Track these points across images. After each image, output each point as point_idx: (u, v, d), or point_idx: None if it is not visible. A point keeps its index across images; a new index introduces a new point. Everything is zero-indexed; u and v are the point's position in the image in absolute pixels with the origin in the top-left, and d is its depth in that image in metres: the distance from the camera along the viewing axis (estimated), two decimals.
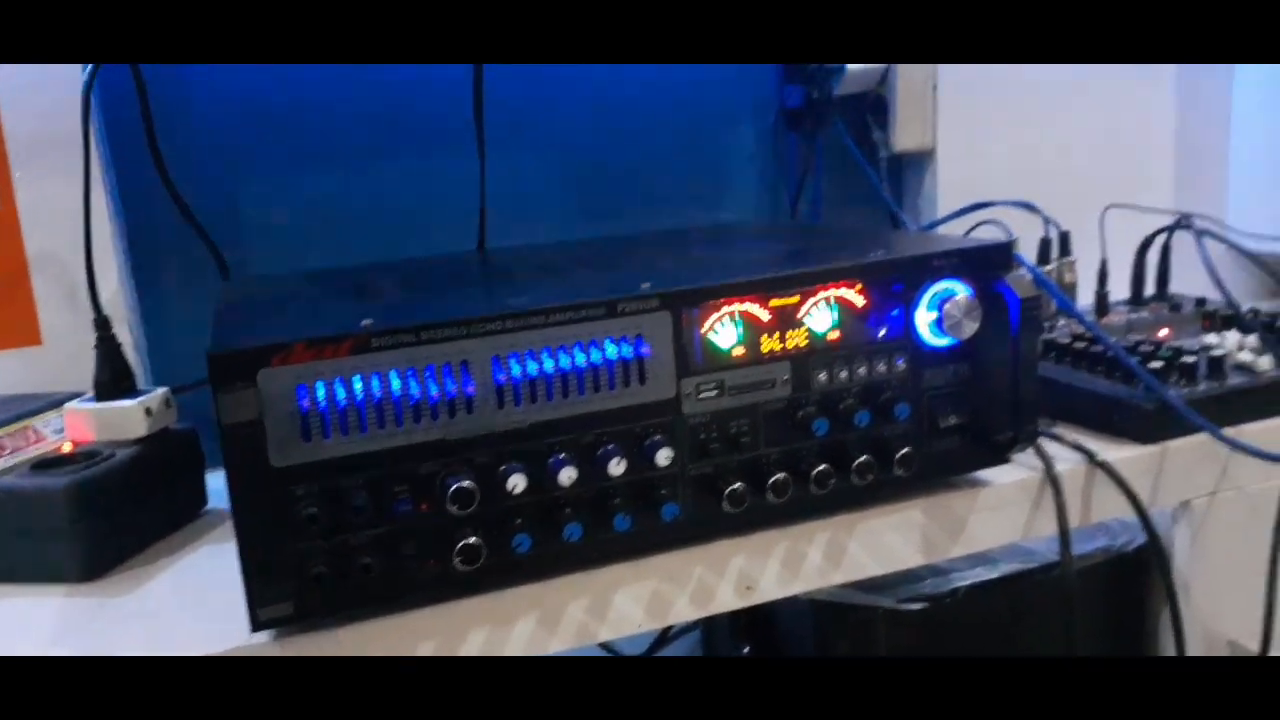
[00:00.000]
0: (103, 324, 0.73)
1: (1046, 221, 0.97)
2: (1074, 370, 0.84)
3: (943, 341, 0.67)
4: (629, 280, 0.62)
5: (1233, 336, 0.88)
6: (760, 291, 0.63)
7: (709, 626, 1.04)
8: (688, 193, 1.06)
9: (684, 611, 0.65)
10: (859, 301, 0.65)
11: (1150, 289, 1.04)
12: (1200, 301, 1.00)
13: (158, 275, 0.92)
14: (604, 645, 1.11)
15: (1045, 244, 0.98)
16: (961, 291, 0.66)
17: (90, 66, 0.74)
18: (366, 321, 0.55)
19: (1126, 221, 1.02)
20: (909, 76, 1.03)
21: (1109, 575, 0.81)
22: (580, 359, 0.58)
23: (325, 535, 0.54)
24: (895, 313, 0.66)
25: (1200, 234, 0.94)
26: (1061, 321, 0.96)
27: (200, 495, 0.76)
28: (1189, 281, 1.04)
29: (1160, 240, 1.02)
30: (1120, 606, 0.83)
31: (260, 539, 0.53)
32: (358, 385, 0.54)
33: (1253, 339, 0.87)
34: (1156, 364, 0.79)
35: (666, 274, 0.66)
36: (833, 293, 0.64)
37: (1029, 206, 0.96)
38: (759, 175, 1.08)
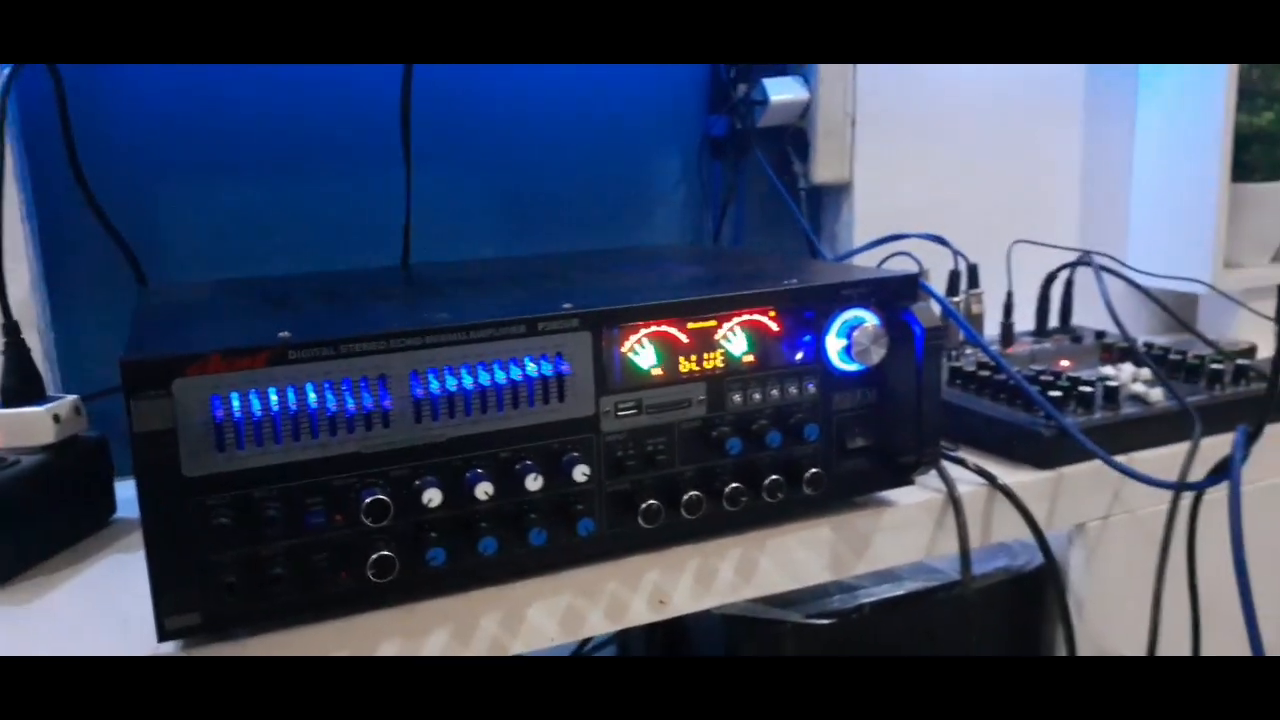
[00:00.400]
0: (11, 329, 0.71)
1: (956, 255, 1.01)
2: (978, 397, 0.87)
3: (851, 367, 0.69)
4: (551, 299, 0.64)
5: (1128, 369, 0.93)
6: (679, 315, 0.65)
7: (624, 646, 1.05)
8: (615, 216, 1.08)
9: (598, 625, 0.66)
10: (773, 327, 0.67)
11: (1054, 321, 1.10)
12: (1100, 334, 1.06)
13: (71, 281, 0.90)
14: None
15: (954, 276, 1.02)
16: (870, 320, 0.69)
17: (8, 68, 0.72)
18: (284, 334, 0.55)
19: (1032, 257, 1.07)
20: (828, 112, 1.07)
21: (1008, 594, 0.85)
22: (500, 376, 0.59)
23: (236, 545, 0.54)
24: (807, 339, 0.68)
25: (1100, 270, 0.99)
26: (968, 351, 1.00)
27: (109, 504, 0.75)
28: (1090, 315, 1.09)
29: (1064, 275, 1.07)
30: (1018, 624, 0.86)
31: (170, 548, 0.53)
32: (273, 397, 0.54)
33: (1146, 372, 0.92)
34: (1055, 393, 0.83)
35: (589, 294, 0.67)
36: (748, 318, 0.67)
37: (939, 240, 1.00)
38: (684, 201, 1.10)
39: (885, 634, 0.81)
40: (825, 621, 0.79)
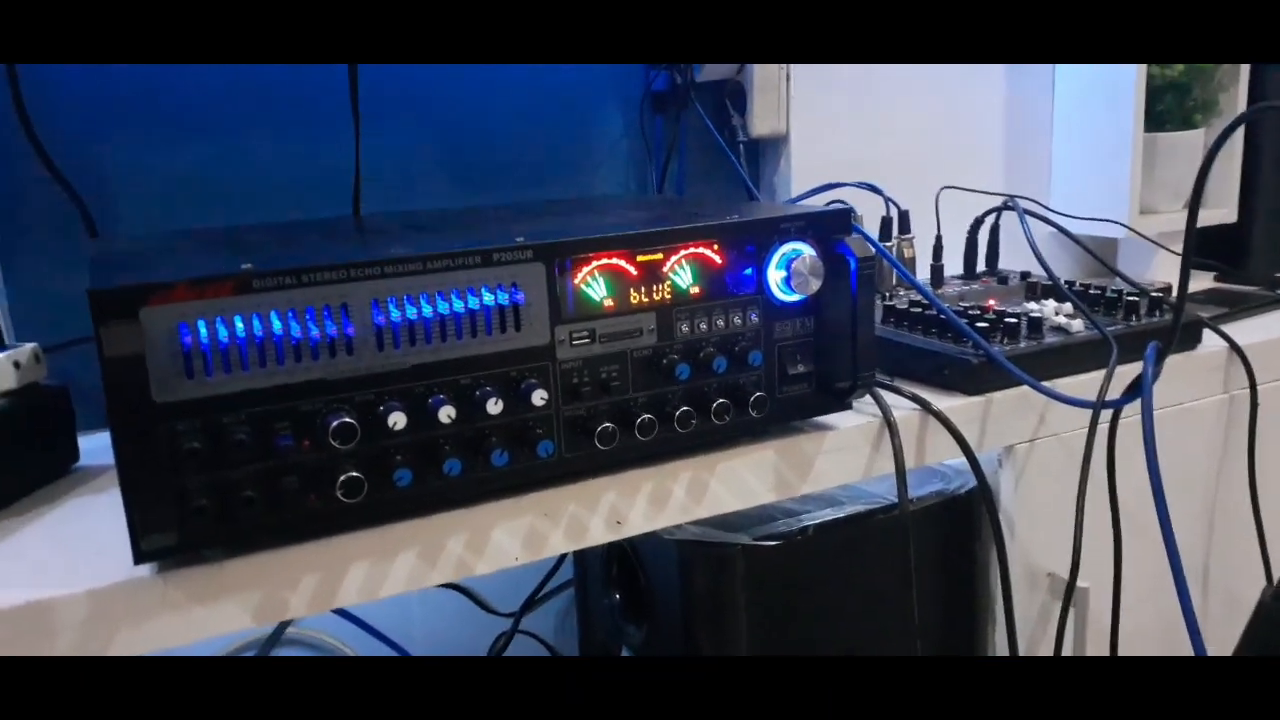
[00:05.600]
0: None
1: (887, 201, 1.06)
2: (910, 333, 0.92)
3: (791, 297, 0.73)
4: (503, 235, 0.66)
5: (1051, 304, 0.99)
6: (628, 247, 0.68)
7: (582, 579, 1.09)
8: (560, 170, 1.10)
9: (558, 545, 0.69)
10: (717, 260, 0.71)
11: (981, 265, 1.15)
12: (1025, 275, 1.11)
13: (22, 234, 0.90)
14: (473, 597, 1.14)
15: (886, 222, 1.06)
16: (807, 251, 0.72)
17: None
18: (246, 265, 0.57)
19: (960, 204, 1.12)
20: (764, 68, 1.10)
21: (943, 515, 0.90)
22: (458, 305, 0.62)
23: (208, 469, 0.56)
24: (749, 271, 0.72)
25: (1024, 214, 1.04)
26: (901, 291, 1.04)
27: (71, 451, 0.76)
28: (1016, 259, 1.15)
29: (990, 220, 1.12)
30: (953, 543, 0.91)
31: (142, 472, 0.55)
32: (239, 325, 0.56)
33: (1068, 307, 0.97)
34: (983, 325, 0.88)
35: (541, 231, 0.70)
36: (693, 251, 0.70)
37: (872, 188, 1.04)
38: (628, 154, 1.13)
39: (829, 554, 0.85)
40: (772, 543, 0.83)
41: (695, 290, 0.70)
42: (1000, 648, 0.91)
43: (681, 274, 0.70)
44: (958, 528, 0.91)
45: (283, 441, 0.58)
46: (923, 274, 1.10)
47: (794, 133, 1.13)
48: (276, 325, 0.57)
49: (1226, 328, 1.03)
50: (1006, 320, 0.89)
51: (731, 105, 1.13)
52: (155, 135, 0.94)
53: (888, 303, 0.97)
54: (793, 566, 0.84)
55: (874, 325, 0.75)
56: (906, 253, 1.07)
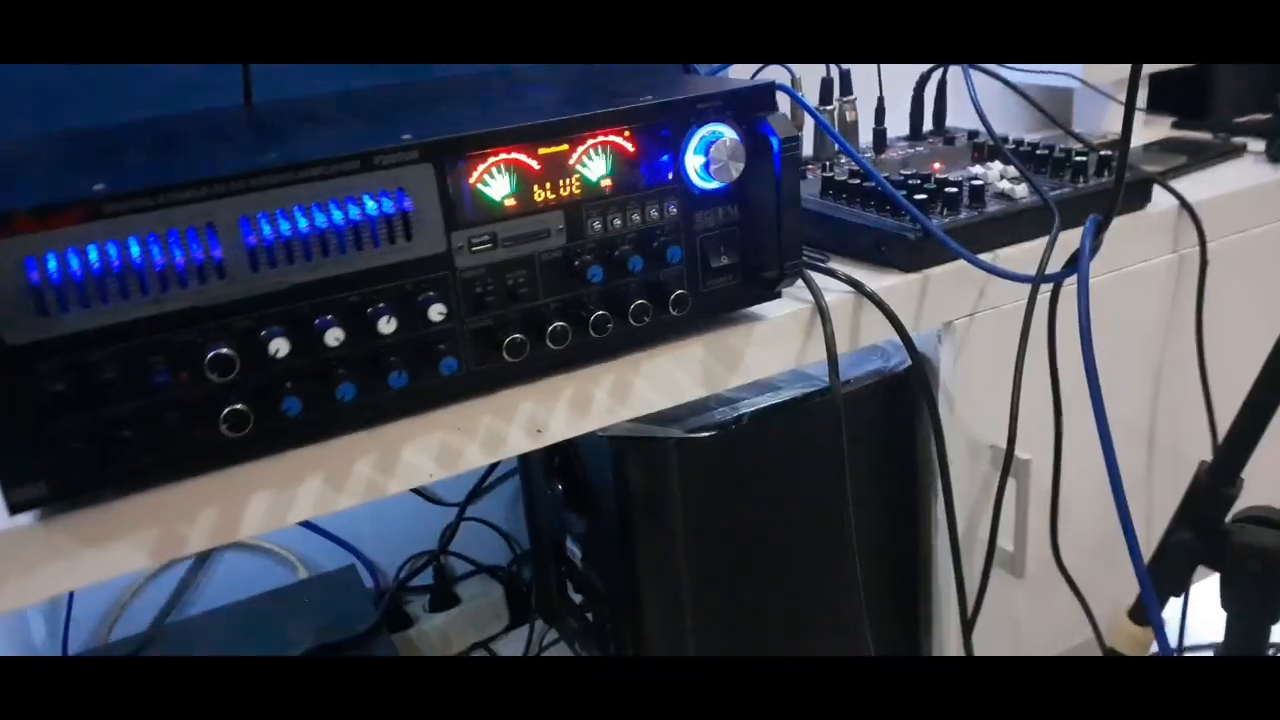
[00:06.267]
0: None
1: (827, 64, 0.99)
2: (849, 206, 0.87)
3: (711, 185, 0.68)
4: (391, 132, 0.61)
5: (996, 167, 0.94)
6: (528, 139, 0.62)
7: (526, 469, 1.07)
8: None
9: (475, 458, 0.66)
10: (628, 148, 0.66)
11: (929, 124, 1.09)
12: (973, 134, 1.06)
13: None
14: (419, 491, 1.13)
15: (826, 84, 1.00)
16: (727, 134, 0.67)
17: None
18: (98, 186, 0.52)
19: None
20: None
21: (881, 394, 0.88)
22: (338, 216, 0.57)
23: (78, 411, 0.52)
24: (665, 158, 0.67)
25: (970, 69, 0.98)
26: (842, 160, 0.99)
27: None
28: (966, 118, 1.09)
29: (936, 75, 1.06)
30: (893, 422, 0.89)
31: (5, 420, 0.51)
32: (93, 255, 0.51)
33: (1013, 169, 0.93)
34: (922, 196, 0.84)
35: (433, 123, 0.64)
36: (602, 139, 0.65)
37: None
38: None
39: (766, 442, 0.84)
40: (707, 434, 0.81)
41: (606, 183, 0.65)
42: (940, 521, 0.91)
43: (590, 165, 0.65)
44: (899, 405, 0.89)
45: (158, 377, 0.54)
46: (865, 138, 1.04)
47: None
48: (135, 252, 0.52)
49: (1180, 182, 1.00)
50: (947, 190, 0.85)
51: None
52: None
53: (827, 174, 0.92)
54: (729, 456, 0.82)
55: (800, 210, 0.70)
56: (849, 116, 1.02)
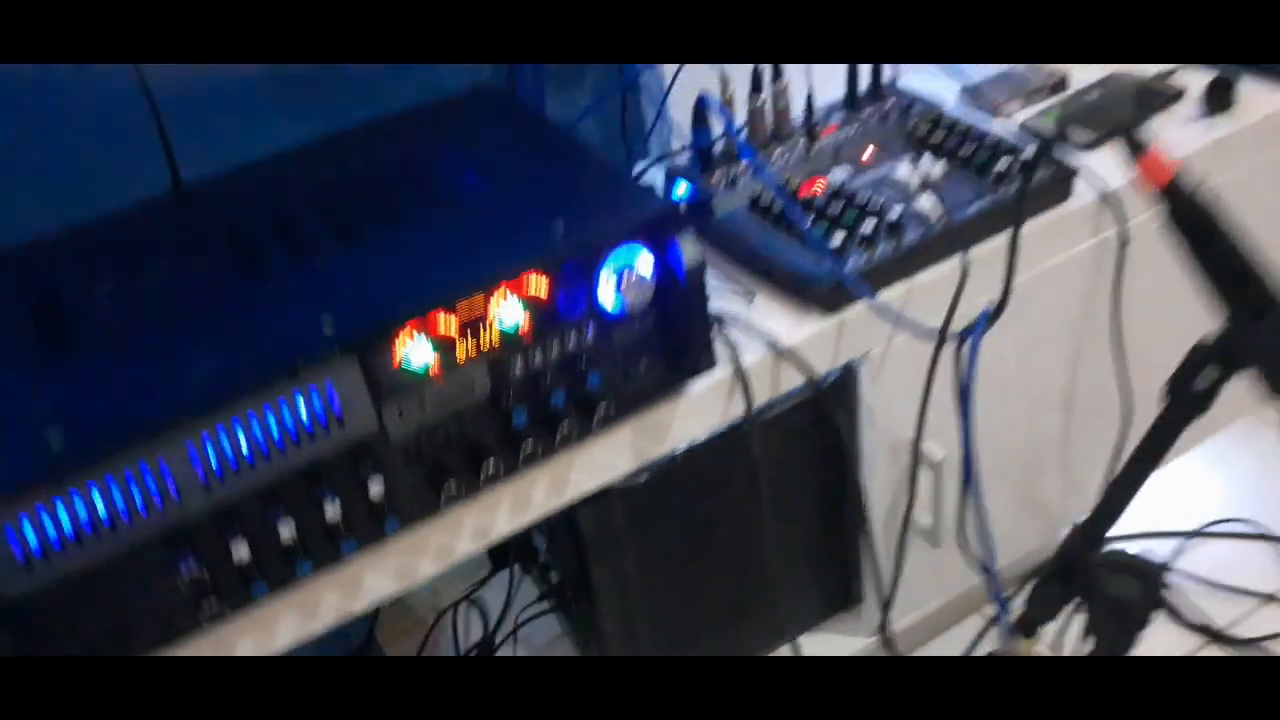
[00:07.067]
0: None
1: None
2: (776, 231, 0.90)
3: (625, 308, 0.72)
4: (311, 316, 0.63)
5: (924, 166, 0.95)
6: (446, 304, 0.66)
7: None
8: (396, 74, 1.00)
9: (428, 569, 0.75)
10: (544, 289, 0.69)
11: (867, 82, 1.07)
12: (909, 106, 1.04)
13: None
14: None
15: (758, 75, 0.98)
16: (637, 263, 0.70)
17: None
18: (56, 447, 0.57)
19: None
20: None
21: (812, 408, 0.94)
22: (273, 427, 0.62)
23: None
24: (579, 291, 0.70)
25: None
26: (776, 152, 0.99)
27: None
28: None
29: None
30: (826, 431, 0.96)
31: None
32: (63, 514, 0.58)
33: (938, 169, 0.94)
34: (841, 233, 0.86)
35: (348, 292, 0.67)
36: (516, 288, 0.68)
37: None
38: None
39: (702, 473, 0.92)
40: (644, 478, 0.89)
41: (524, 328, 0.69)
42: (873, 507, 1.00)
43: (506, 313, 0.68)
44: (827, 420, 0.96)
45: (138, 598, 0.62)
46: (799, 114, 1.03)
47: None
48: (100, 504, 0.59)
49: (1107, 153, 1.00)
50: (863, 230, 0.87)
51: None
52: None
53: (754, 195, 0.93)
54: (667, 494, 0.90)
55: (708, 312, 0.74)
56: (780, 104, 1.01)
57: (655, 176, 1.04)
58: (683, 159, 1.00)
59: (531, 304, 0.69)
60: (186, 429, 0.59)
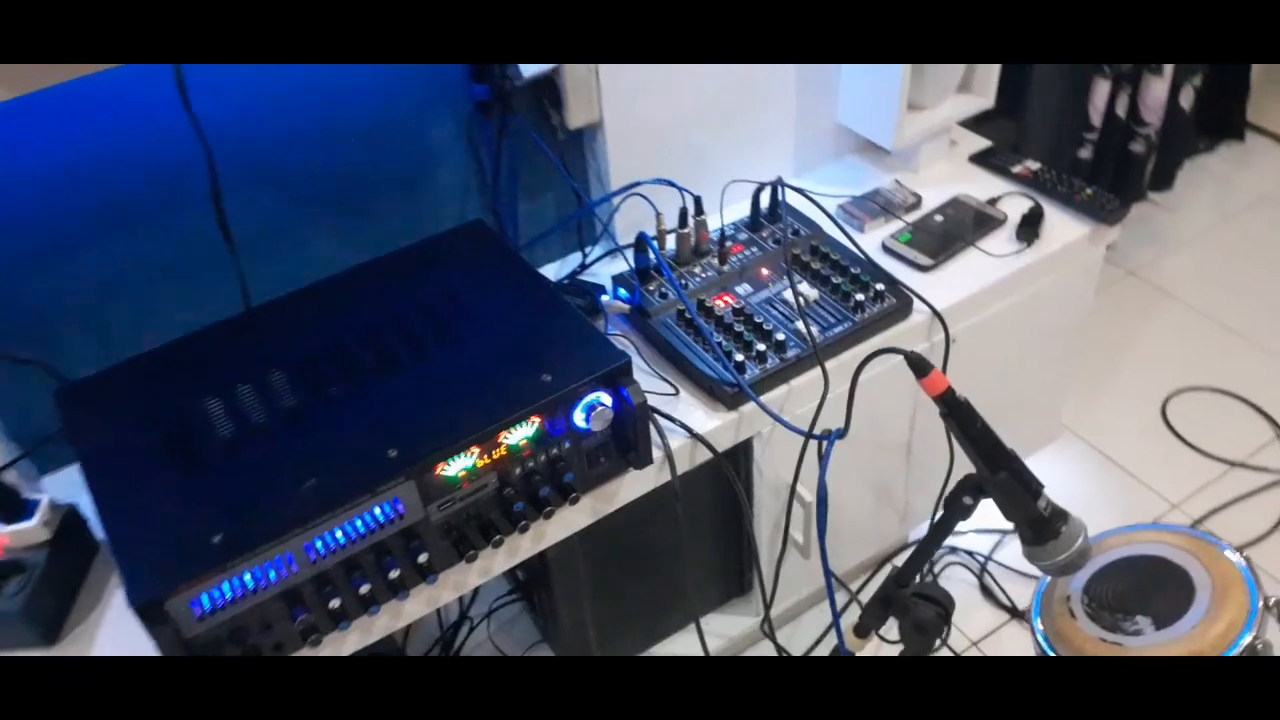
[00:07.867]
0: None
1: (682, 192, 1.28)
2: (694, 342, 1.23)
3: (593, 428, 1.04)
4: (380, 452, 0.94)
5: (804, 289, 1.28)
6: (479, 440, 0.97)
7: None
8: (405, 182, 1.27)
9: (447, 597, 1.07)
10: (537, 424, 1.01)
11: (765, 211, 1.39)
12: (795, 232, 1.37)
13: None
14: None
15: (684, 212, 1.30)
16: (602, 401, 1.02)
17: None
18: (216, 539, 0.88)
19: (752, 170, 1.34)
20: (573, 70, 1.23)
21: (718, 467, 1.28)
22: (360, 526, 0.94)
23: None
24: (560, 419, 1.02)
25: (783, 186, 1.30)
26: (696, 269, 1.31)
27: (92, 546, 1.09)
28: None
29: (766, 191, 1.36)
30: (726, 491, 1.31)
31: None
32: (227, 589, 0.89)
33: (816, 292, 1.28)
34: (739, 351, 1.19)
35: (405, 435, 0.97)
36: (520, 425, 0.99)
37: (669, 183, 1.27)
38: (463, 158, 1.28)
39: (633, 520, 1.25)
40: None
41: (524, 446, 1.01)
42: (759, 532, 1.36)
43: (514, 437, 1.00)
44: (730, 470, 1.30)
45: (268, 636, 0.93)
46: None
47: (608, 120, 1.29)
48: (248, 579, 0.89)
49: (940, 275, 1.35)
50: (758, 348, 1.20)
51: (550, 103, 1.27)
52: (44, 257, 1.09)
53: (682, 310, 1.25)
54: (612, 535, 1.24)
55: (648, 427, 1.08)
56: (701, 233, 1.32)
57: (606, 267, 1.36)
58: (625, 268, 1.32)
59: (530, 431, 1.01)
60: (303, 534, 0.90)
